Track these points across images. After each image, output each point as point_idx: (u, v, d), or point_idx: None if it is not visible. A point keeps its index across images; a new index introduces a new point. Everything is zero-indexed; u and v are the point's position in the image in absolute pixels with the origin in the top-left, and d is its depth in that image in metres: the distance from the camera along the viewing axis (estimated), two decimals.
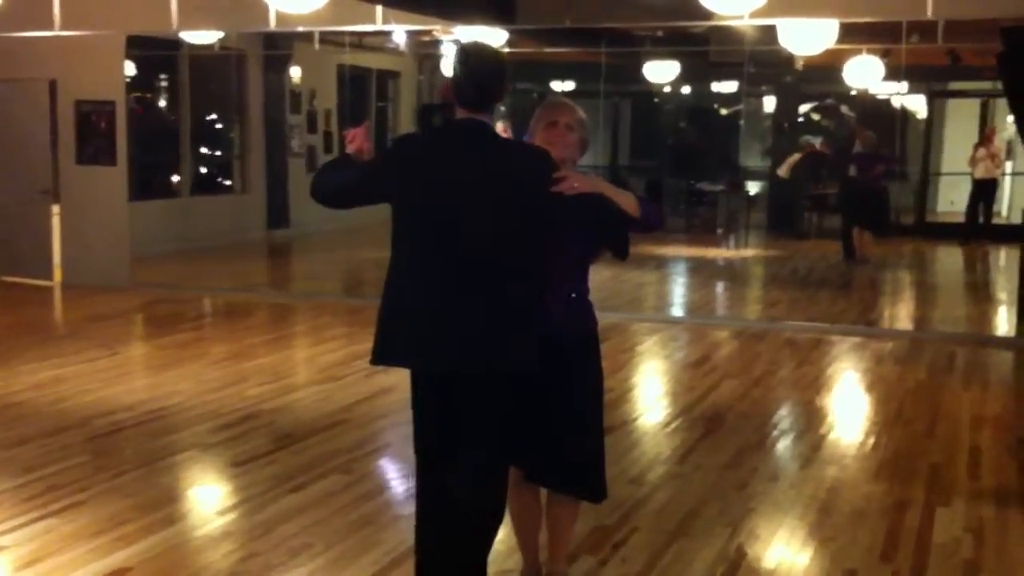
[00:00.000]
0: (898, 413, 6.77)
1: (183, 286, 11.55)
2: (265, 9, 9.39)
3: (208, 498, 5.19)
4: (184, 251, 14.09)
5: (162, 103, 15.92)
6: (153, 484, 5.19)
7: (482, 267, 3.40)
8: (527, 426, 3.65)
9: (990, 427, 6.51)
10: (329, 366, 7.83)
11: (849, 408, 7.16)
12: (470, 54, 3.52)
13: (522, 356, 3.46)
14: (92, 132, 11.53)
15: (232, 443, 5.89)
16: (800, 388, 7.50)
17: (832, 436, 6.23)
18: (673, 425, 6.43)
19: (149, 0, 10.31)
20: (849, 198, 14.39)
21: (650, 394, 7.47)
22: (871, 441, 6.13)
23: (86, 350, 8.28)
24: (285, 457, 5.64)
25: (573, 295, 3.72)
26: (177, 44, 14.29)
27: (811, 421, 6.58)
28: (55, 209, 11.81)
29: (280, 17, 9.57)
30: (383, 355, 3.63)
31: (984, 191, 17.14)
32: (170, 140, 15.32)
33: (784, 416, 6.81)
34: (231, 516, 4.81)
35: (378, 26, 9.67)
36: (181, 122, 15.32)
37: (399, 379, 7.42)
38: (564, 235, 3.61)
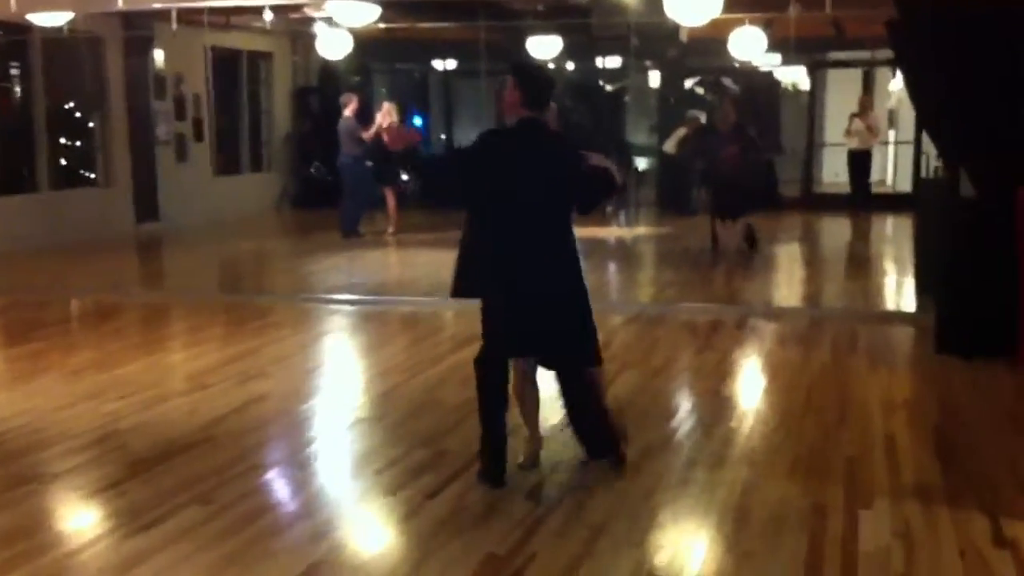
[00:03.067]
0: (807, 401, 6.40)
1: (43, 288, 10.71)
2: None
3: (49, 541, 4.49)
4: (45, 250, 13.19)
5: (15, 93, 14.84)
6: None
7: (542, 224, 4.90)
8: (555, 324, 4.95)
9: (903, 413, 6.19)
10: (198, 373, 7.17)
11: (755, 397, 6.76)
12: (534, 69, 5.34)
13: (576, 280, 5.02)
14: None
15: (80, 471, 5.23)
16: (702, 377, 7.10)
17: (740, 430, 5.82)
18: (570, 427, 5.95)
19: None
20: (708, 182, 13.81)
21: (547, 391, 6.96)
22: (782, 434, 5.74)
23: None
24: (137, 487, 4.99)
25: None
26: (27, 28, 13.31)
27: (717, 415, 6.16)
28: None
29: None
30: (467, 290, 5.29)
31: (860, 161, 17.09)
32: (24, 131, 14.31)
33: (688, 411, 6.39)
34: (77, 559, 4.19)
35: (239, 2, 8.98)
36: (35, 111, 14.31)
37: (273, 386, 6.85)
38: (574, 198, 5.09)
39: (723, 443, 5.58)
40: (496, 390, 5.02)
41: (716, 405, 6.39)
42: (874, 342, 8.09)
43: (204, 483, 5.01)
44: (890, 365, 7.40)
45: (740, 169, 12.03)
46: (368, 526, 4.67)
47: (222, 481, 5.03)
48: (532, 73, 5.09)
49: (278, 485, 5.10)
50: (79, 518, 4.74)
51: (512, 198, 4.82)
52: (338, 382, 7.30)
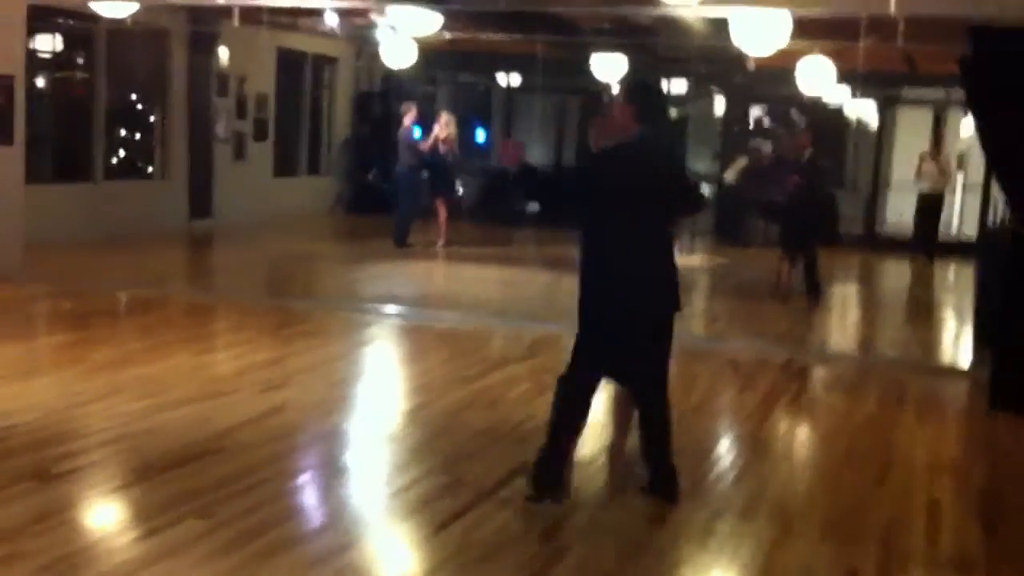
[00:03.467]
0: (847, 454, 6.08)
1: (86, 279, 10.64)
2: None
3: (36, 548, 4.32)
4: (95, 240, 13.14)
5: (78, 81, 14.89)
6: None
7: (655, 238, 5.04)
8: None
9: (948, 475, 5.84)
10: (220, 378, 7.00)
11: (793, 445, 6.45)
12: (647, 84, 5.56)
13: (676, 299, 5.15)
14: None
15: (80, 474, 5.06)
16: (740, 419, 6.80)
17: (774, 480, 5.52)
18: (598, 462, 5.68)
19: None
20: (768, 214, 13.34)
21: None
22: (817, 488, 5.43)
23: None
24: (137, 494, 4.81)
25: None
26: (94, 18, 13.32)
27: (750, 461, 5.87)
28: None
29: None
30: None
31: (929, 205, 16.54)
32: (84, 120, 14.34)
33: (721, 454, 6.10)
34: (64, 565, 4.00)
35: (300, 2, 8.84)
36: (96, 101, 14.32)
37: (292, 395, 6.65)
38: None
39: (754, 493, 5.28)
40: (576, 410, 4.99)
41: (751, 450, 6.09)
42: (925, 395, 7.73)
43: (207, 495, 4.81)
44: (939, 420, 7.05)
45: (802, 201, 11.64)
46: (369, 557, 4.43)
47: (227, 494, 4.83)
48: (646, 87, 5.36)
49: (283, 503, 4.88)
50: (72, 522, 4.55)
51: (632, 211, 4.88)
52: (361, 397, 7.09)
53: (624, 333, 4.88)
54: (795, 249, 11.76)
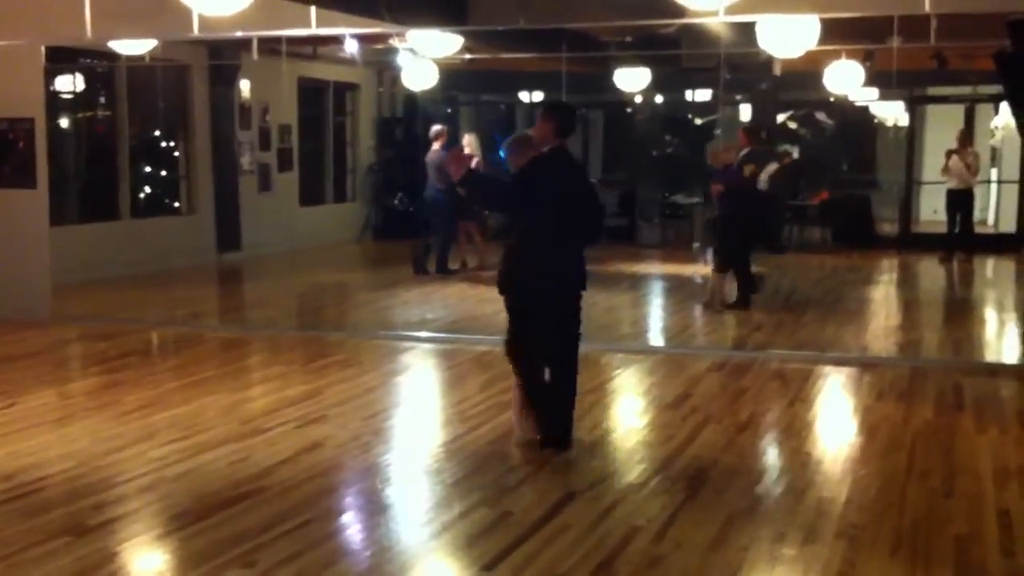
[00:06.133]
0: (909, 465, 5.83)
1: (116, 318, 10.54)
2: (188, 14, 8.41)
3: None
4: (124, 278, 13.05)
5: (100, 119, 14.86)
6: None
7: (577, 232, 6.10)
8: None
9: (1016, 482, 5.58)
10: (254, 416, 6.83)
11: (851, 459, 6.17)
12: (564, 105, 6.62)
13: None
14: (9, 152, 10.49)
15: (117, 525, 4.89)
16: (793, 434, 6.57)
17: (836, 499, 5.27)
18: (649, 487, 5.47)
19: (62, 7, 9.39)
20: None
21: (623, 446, 6.48)
22: (882, 504, 5.18)
23: None
24: (176, 544, 4.65)
25: None
26: (113, 56, 13.28)
27: (809, 479, 5.62)
28: None
29: (205, 23, 8.61)
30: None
31: (960, 201, 16.21)
32: (108, 159, 14.29)
33: (777, 472, 5.88)
34: None
35: (313, 30, 8.71)
36: (119, 139, 14.28)
37: (329, 430, 6.48)
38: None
39: (816, 513, 5.04)
40: (539, 366, 6.06)
41: (808, 467, 5.85)
42: (981, 397, 7.46)
43: (249, 541, 4.63)
44: (1001, 424, 6.77)
45: (735, 208, 10.89)
46: None
47: (266, 541, 4.64)
48: (563, 108, 6.33)
49: (328, 546, 4.69)
50: None
51: (559, 209, 5.91)
52: (399, 429, 6.89)
53: (553, 305, 5.97)
54: (723, 259, 10.99)
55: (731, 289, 11.12)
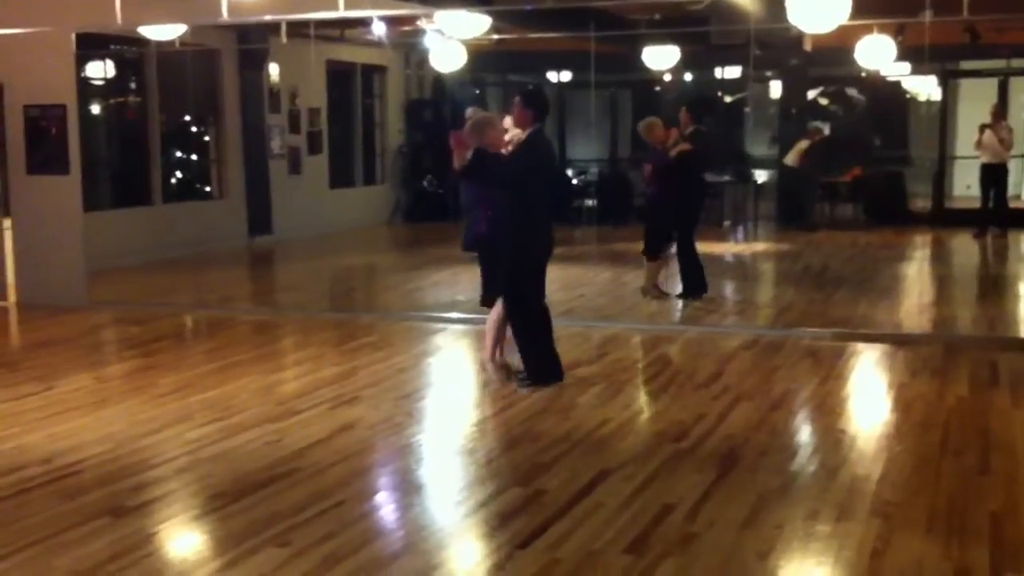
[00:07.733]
0: (943, 442, 5.80)
1: (150, 302, 10.63)
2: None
3: None
4: (157, 263, 13.16)
5: (131, 105, 14.95)
6: (45, 569, 4.24)
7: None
8: None
9: None
10: (288, 398, 6.88)
11: (885, 437, 6.15)
12: (540, 94, 7.11)
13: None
14: (42, 139, 10.59)
15: (154, 506, 4.95)
16: (826, 412, 6.54)
17: (869, 476, 5.25)
18: (682, 465, 5.47)
19: None
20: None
21: (654, 425, 6.48)
22: (916, 482, 5.16)
23: (20, 384, 7.36)
24: (213, 524, 4.70)
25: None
26: (143, 42, 13.35)
27: (842, 456, 5.60)
28: (6, 223, 10.92)
29: (234, 8, 8.65)
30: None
31: (994, 175, 16.03)
32: (139, 145, 14.38)
33: (810, 450, 5.85)
34: None
35: (341, 12, 8.72)
36: (150, 124, 14.36)
37: (362, 411, 6.51)
38: None
39: (850, 491, 5.03)
40: (536, 317, 7.06)
41: (841, 445, 5.83)
42: (1017, 373, 7.40)
43: (284, 521, 4.67)
44: None
45: (665, 192, 10.20)
46: None
47: (301, 522, 4.68)
48: (541, 96, 7.05)
49: (362, 526, 4.72)
50: (150, 558, 4.40)
51: (543, 180, 6.98)
52: (431, 409, 6.92)
53: (546, 258, 7.06)
54: (647, 245, 10.32)
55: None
